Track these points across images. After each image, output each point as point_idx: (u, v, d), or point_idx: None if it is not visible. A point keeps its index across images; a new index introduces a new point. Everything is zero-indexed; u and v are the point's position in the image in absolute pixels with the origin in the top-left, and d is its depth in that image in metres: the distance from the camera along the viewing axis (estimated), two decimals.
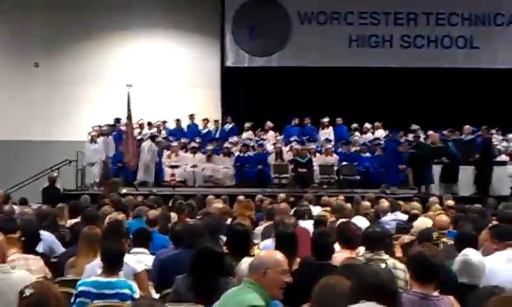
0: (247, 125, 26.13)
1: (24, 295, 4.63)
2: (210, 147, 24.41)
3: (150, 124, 26.01)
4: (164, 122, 26.41)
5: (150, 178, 23.54)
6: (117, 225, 8.95)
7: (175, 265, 7.73)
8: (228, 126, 26.57)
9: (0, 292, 6.01)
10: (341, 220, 10.36)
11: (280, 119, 26.16)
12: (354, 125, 25.89)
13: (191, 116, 26.80)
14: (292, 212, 12.66)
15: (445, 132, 23.99)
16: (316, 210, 13.31)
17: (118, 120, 25.14)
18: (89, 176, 24.02)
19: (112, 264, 6.82)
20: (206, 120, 26.78)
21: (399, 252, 8.47)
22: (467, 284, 6.23)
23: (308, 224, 10.95)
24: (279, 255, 5.57)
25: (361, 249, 7.79)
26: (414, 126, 24.28)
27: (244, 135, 25.90)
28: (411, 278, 5.83)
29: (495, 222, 9.95)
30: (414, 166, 22.53)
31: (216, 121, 26.98)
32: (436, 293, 5.53)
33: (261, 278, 5.31)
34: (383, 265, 6.15)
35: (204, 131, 26.41)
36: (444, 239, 9.03)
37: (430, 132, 23.65)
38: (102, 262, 6.89)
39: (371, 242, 7.59)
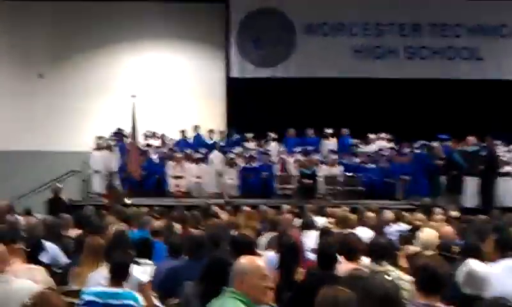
0: (250, 135, 26.13)
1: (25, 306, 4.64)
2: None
3: (154, 134, 26.03)
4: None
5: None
6: (122, 235, 8.96)
7: (179, 275, 7.72)
8: (233, 138, 26.58)
9: (0, 301, 6.01)
10: (345, 231, 10.35)
11: (284, 130, 26.16)
12: (356, 141, 25.84)
13: (196, 127, 26.80)
14: (296, 222, 12.65)
15: (448, 144, 23.93)
16: (320, 221, 13.30)
17: (120, 130, 25.15)
18: (93, 185, 24.01)
19: (119, 274, 6.82)
20: (211, 131, 26.78)
21: (403, 263, 8.44)
22: (471, 295, 6.22)
23: (313, 235, 10.94)
24: (257, 261, 5.52)
25: (366, 260, 7.78)
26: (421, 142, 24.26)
27: (247, 145, 25.89)
28: (416, 289, 5.81)
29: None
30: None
31: (222, 132, 26.97)
32: (440, 304, 5.51)
33: (240, 285, 5.27)
34: (388, 277, 6.14)
35: (209, 142, 26.39)
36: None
37: (434, 143, 23.64)
38: (109, 272, 6.89)
39: (376, 253, 7.57)
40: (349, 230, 10.62)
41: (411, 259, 8.49)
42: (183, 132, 26.62)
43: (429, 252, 8.76)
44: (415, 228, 11.94)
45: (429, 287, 5.50)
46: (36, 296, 4.94)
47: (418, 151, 24.16)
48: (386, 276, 6.04)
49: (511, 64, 28.32)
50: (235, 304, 5.18)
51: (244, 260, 5.46)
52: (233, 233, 11.02)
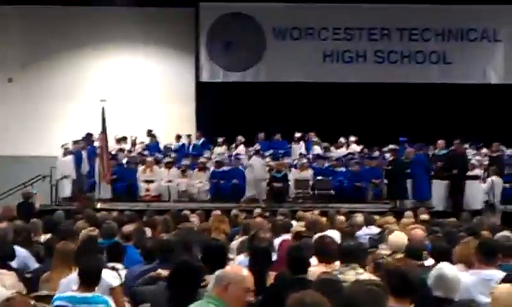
0: (220, 139, 26.13)
1: None
2: (185, 162, 24.38)
3: (124, 139, 25.96)
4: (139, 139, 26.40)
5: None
6: (92, 240, 8.94)
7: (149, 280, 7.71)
8: (199, 142, 26.57)
9: None
10: (317, 234, 10.37)
11: (254, 134, 26.18)
12: (325, 144, 25.87)
13: (149, 132, 26.78)
14: (268, 226, 12.65)
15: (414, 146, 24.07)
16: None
17: (90, 135, 25.06)
18: (62, 190, 23.88)
19: (90, 280, 6.81)
20: (178, 136, 26.73)
21: (370, 267, 8.46)
22: (442, 298, 6.25)
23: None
24: (245, 272, 5.45)
25: (337, 263, 7.80)
26: (391, 146, 24.27)
27: (217, 150, 25.90)
28: (388, 293, 5.84)
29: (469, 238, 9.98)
30: (389, 180, 22.69)
31: (189, 136, 26.93)
32: None
33: (222, 292, 5.21)
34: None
35: (173, 146, 26.33)
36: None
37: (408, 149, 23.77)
38: (78, 277, 6.86)
39: (346, 255, 7.60)
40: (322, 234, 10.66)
41: (378, 263, 8.51)
42: (153, 136, 26.55)
43: (397, 256, 8.81)
44: (385, 232, 11.99)
45: (399, 291, 5.54)
46: (4, 302, 4.91)
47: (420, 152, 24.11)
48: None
49: (478, 68, 28.55)
50: None
51: (230, 269, 5.45)
52: (205, 237, 11.01)
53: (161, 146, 26.30)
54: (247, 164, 24.26)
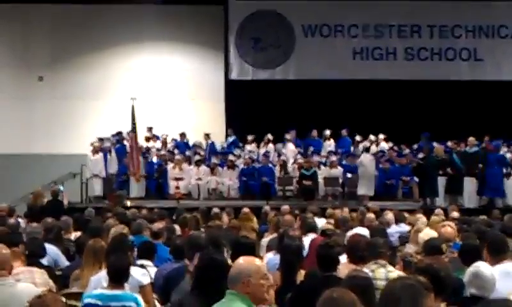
0: (250, 137, 26.15)
1: None
2: (214, 160, 24.43)
3: (154, 136, 26.04)
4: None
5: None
6: (122, 238, 8.96)
7: (179, 278, 7.71)
8: (230, 139, 26.63)
9: (5, 305, 6.01)
10: (348, 233, 10.35)
11: (283, 132, 26.17)
12: (357, 138, 25.79)
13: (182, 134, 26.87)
14: (298, 224, 12.64)
15: (449, 144, 24.05)
16: (320, 222, 13.30)
17: (120, 133, 25.19)
18: (92, 189, 24.02)
19: (118, 277, 6.82)
20: (207, 135, 26.72)
21: (399, 266, 8.42)
22: (477, 296, 6.20)
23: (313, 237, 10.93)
24: (256, 261, 5.41)
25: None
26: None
27: (247, 147, 25.91)
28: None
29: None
30: (420, 178, 22.60)
31: (207, 135, 26.87)
32: (443, 306, 5.51)
33: (245, 288, 5.15)
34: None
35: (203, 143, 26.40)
36: (449, 251, 9.00)
37: (434, 144, 23.65)
38: (108, 275, 6.88)
39: (374, 252, 7.57)
40: (352, 231, 10.64)
41: (407, 261, 8.46)
42: (183, 134, 26.60)
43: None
44: (415, 230, 11.93)
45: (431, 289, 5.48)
46: (35, 299, 4.93)
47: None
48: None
49: (509, 65, 28.33)
50: (241, 306, 5.13)
51: (245, 262, 5.33)
52: (234, 234, 11.00)
53: (191, 144, 26.34)
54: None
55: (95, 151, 24.05)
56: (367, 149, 24.34)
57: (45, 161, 25.83)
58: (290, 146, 25.90)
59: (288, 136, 26.12)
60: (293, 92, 27.49)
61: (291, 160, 24.72)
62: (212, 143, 26.56)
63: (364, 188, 23.03)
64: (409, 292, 4.50)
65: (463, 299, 6.27)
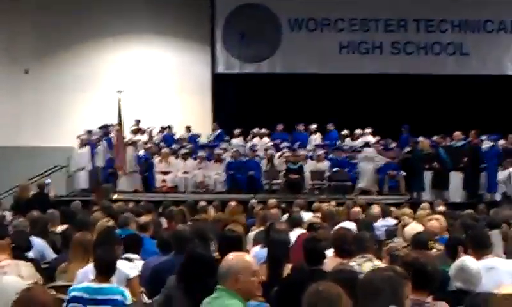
0: (236, 131, 26.14)
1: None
2: (201, 153, 24.41)
3: (140, 130, 26.01)
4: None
5: None
6: (109, 231, 8.96)
7: (166, 271, 7.71)
8: (216, 133, 26.57)
9: None
10: (335, 227, 10.37)
11: (270, 125, 26.19)
12: (345, 132, 25.86)
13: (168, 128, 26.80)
14: (284, 218, 12.66)
15: (435, 138, 24.11)
16: (307, 216, 13.32)
17: (106, 126, 25.15)
18: (78, 181, 23.99)
19: (105, 270, 6.82)
20: (188, 128, 26.69)
21: (385, 260, 8.45)
22: (463, 289, 6.24)
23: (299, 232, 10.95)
24: (246, 257, 5.44)
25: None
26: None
27: (234, 141, 25.91)
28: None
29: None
30: (407, 172, 22.67)
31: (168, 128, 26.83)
32: (429, 299, 5.53)
33: (235, 284, 5.17)
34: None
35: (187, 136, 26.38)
36: (436, 245, 9.04)
37: (420, 138, 23.71)
38: (94, 268, 6.89)
39: (360, 246, 7.60)
40: (339, 225, 10.67)
41: (393, 255, 8.49)
42: (169, 127, 26.58)
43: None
44: (401, 224, 11.97)
45: (418, 283, 5.50)
46: (24, 291, 4.94)
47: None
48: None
49: (495, 59, 28.44)
50: (235, 301, 5.13)
51: (234, 259, 5.34)
52: (221, 228, 11.00)
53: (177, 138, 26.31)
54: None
55: (82, 144, 24.02)
56: (367, 144, 24.28)
57: (31, 154, 25.71)
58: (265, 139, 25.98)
59: (257, 130, 26.17)
60: (280, 86, 27.49)
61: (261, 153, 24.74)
62: (194, 136, 26.48)
63: (366, 183, 23.10)
64: (388, 283, 4.53)
65: (450, 292, 6.30)
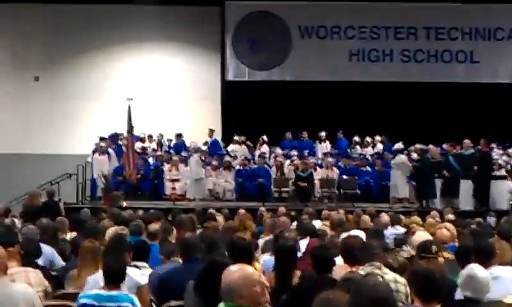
0: (236, 138, 26.15)
1: None
2: (213, 162, 24.36)
3: (150, 137, 26.06)
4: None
5: None
6: (120, 239, 8.96)
7: (174, 279, 7.72)
8: (210, 140, 26.31)
9: (0, 305, 6.01)
10: (343, 234, 10.34)
11: (280, 133, 26.22)
12: (356, 139, 25.89)
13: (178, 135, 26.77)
14: (294, 226, 12.64)
15: (445, 146, 24.06)
16: (316, 224, 13.29)
17: (117, 135, 25.19)
18: (94, 188, 24.06)
19: (114, 278, 6.81)
20: (211, 131, 26.57)
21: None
22: (471, 298, 6.22)
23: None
24: (247, 269, 5.21)
25: None
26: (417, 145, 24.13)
27: (230, 147, 25.92)
28: (413, 294, 5.81)
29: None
30: (417, 181, 22.59)
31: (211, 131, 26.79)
32: None
33: (239, 300, 5.00)
34: (380, 279, 6.14)
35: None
36: (444, 253, 9.01)
37: (430, 147, 23.64)
38: (103, 276, 6.89)
39: (369, 254, 7.58)
40: (347, 233, 10.63)
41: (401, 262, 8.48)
42: (179, 135, 26.58)
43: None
44: (410, 232, 11.96)
45: (427, 293, 5.48)
46: None
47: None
48: (379, 278, 6.05)
49: (506, 67, 28.41)
50: None
51: (235, 274, 5.12)
52: (230, 235, 10.98)
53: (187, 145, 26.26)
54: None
55: (102, 151, 23.99)
56: (399, 151, 24.11)
57: (40, 161, 25.83)
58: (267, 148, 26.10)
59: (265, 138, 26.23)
60: (289, 93, 27.52)
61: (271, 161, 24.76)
62: (216, 141, 26.47)
63: (400, 190, 23.05)
64: (373, 293, 4.51)
65: (458, 301, 6.28)
